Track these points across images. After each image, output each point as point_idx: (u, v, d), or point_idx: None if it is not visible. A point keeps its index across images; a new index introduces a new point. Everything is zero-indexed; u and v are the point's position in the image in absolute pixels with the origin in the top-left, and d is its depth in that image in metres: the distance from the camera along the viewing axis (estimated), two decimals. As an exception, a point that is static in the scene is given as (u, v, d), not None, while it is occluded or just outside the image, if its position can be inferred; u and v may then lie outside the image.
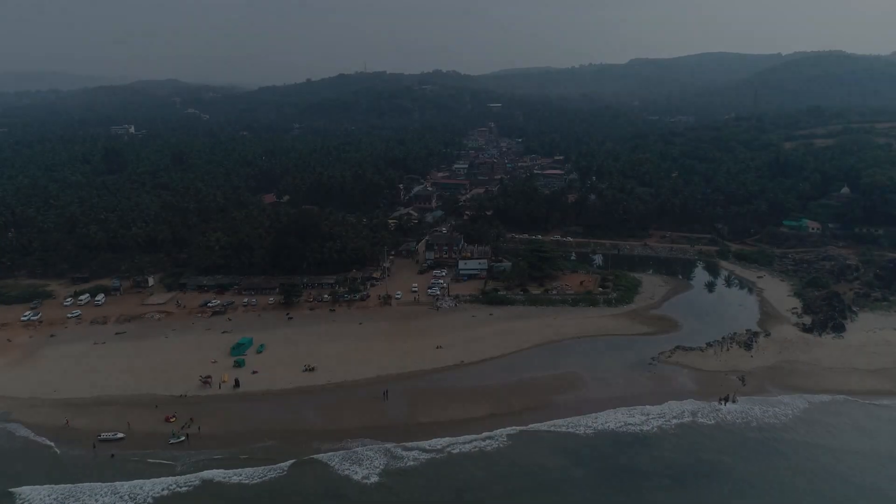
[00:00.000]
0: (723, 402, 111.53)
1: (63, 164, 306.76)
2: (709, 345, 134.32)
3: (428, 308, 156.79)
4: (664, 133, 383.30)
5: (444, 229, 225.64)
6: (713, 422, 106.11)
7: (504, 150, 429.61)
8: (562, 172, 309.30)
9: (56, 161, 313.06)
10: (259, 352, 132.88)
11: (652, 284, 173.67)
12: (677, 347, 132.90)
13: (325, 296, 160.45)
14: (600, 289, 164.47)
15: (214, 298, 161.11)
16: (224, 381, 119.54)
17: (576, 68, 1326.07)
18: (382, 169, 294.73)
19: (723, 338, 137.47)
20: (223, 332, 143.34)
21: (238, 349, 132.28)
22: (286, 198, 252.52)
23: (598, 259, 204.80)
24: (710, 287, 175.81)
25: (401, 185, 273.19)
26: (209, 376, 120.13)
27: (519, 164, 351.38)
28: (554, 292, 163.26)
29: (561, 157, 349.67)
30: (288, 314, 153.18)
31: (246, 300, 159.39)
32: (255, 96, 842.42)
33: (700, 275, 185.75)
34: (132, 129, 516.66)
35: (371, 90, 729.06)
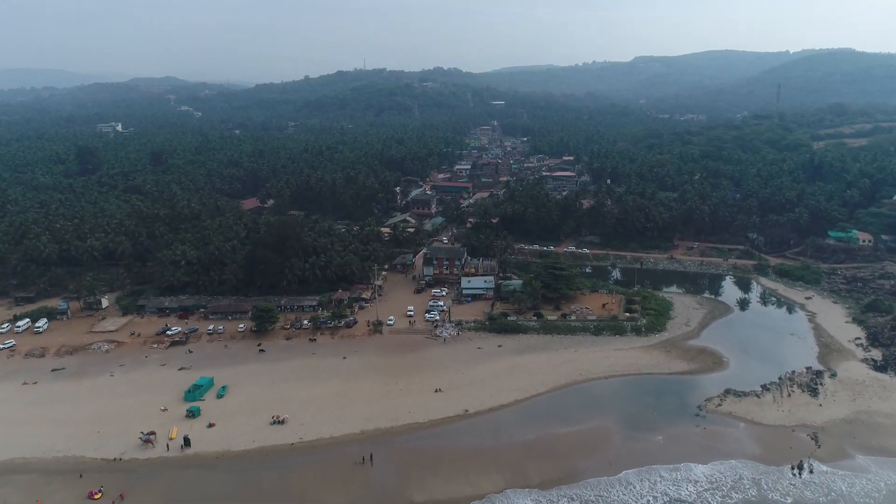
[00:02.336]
0: (796, 472, 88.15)
1: (35, 164, 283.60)
2: (765, 388, 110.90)
3: (426, 337, 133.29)
4: (680, 132, 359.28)
5: (444, 239, 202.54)
6: (789, 501, 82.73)
7: (508, 149, 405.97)
8: (573, 174, 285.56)
9: (28, 161, 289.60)
10: (220, 396, 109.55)
11: (685, 307, 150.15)
12: (727, 392, 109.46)
13: (306, 322, 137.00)
14: (627, 313, 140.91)
15: (175, 325, 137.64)
16: (171, 439, 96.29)
17: (579, 66, 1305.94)
18: (378, 170, 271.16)
19: (780, 378, 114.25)
20: (180, 369, 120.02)
21: (194, 392, 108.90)
22: (270, 202, 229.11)
23: (616, 273, 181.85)
24: (753, 310, 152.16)
25: (397, 189, 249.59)
26: (153, 432, 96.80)
27: (525, 165, 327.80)
28: (573, 317, 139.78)
29: (570, 158, 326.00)
30: (259, 345, 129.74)
31: (212, 327, 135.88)
32: (252, 94, 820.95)
33: (738, 294, 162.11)
34: (119, 127, 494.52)
35: (370, 87, 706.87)
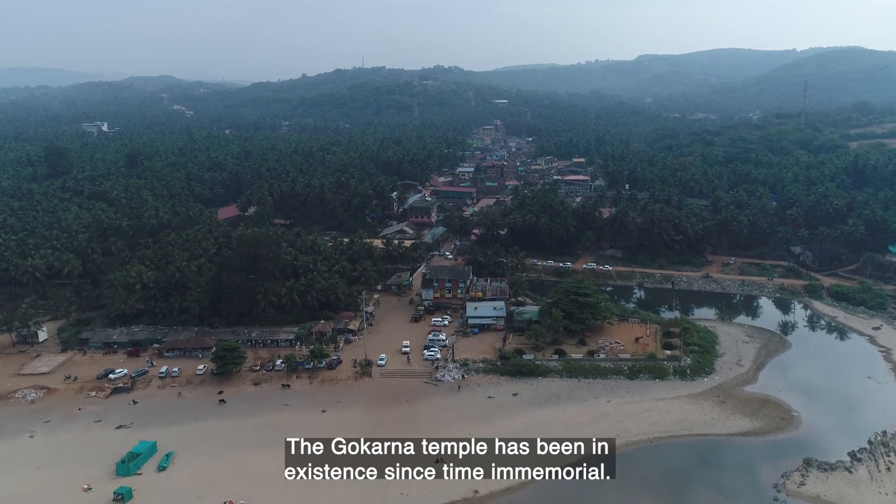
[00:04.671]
0: None
1: (2, 167, 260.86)
2: (855, 458, 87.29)
3: (424, 381, 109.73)
4: (699, 132, 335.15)
5: (448, 254, 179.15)
6: None
7: (513, 150, 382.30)
8: (587, 178, 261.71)
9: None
10: (162, 468, 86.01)
11: (732, 340, 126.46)
12: (808, 464, 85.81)
13: (279, 361, 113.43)
14: (666, 350, 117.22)
15: (122, 365, 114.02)
16: (87, 537, 72.96)
17: (582, 65, 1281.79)
18: (373, 174, 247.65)
19: (870, 443, 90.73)
20: (118, 428, 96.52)
21: (129, 464, 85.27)
22: (253, 209, 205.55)
23: (640, 293, 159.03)
24: (813, 344, 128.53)
25: (394, 194, 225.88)
26: (62, 529, 73.49)
27: (532, 168, 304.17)
28: (602, 355, 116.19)
29: (582, 160, 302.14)
30: (220, 393, 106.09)
31: (164, 368, 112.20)
32: (247, 92, 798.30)
33: (791, 323, 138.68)
34: (105, 127, 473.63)
35: (368, 85, 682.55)
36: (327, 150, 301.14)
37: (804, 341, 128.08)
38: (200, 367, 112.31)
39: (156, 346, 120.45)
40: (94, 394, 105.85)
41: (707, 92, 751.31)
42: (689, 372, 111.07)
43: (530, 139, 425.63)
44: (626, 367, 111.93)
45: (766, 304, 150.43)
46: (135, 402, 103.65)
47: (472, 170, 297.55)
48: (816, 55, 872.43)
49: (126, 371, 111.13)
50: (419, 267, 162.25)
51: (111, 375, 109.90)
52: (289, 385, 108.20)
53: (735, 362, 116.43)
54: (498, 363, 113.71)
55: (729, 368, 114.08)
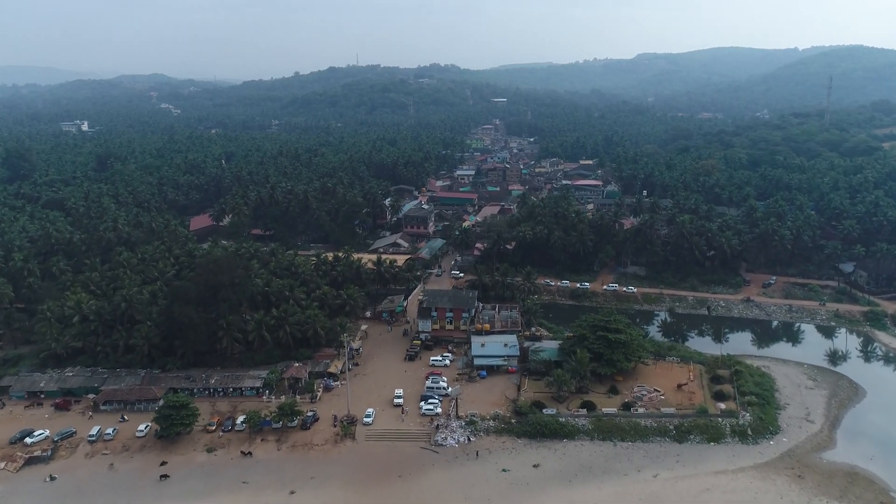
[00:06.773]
0: None
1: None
2: None
3: (421, 446, 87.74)
4: (714, 132, 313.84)
5: (454, 271, 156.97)
6: None
7: (515, 151, 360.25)
8: (598, 183, 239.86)
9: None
10: (69, 586, 63.95)
11: (793, 385, 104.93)
12: (934, 578, 64.34)
13: (241, 419, 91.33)
14: (720, 404, 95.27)
15: (44, 424, 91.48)
16: None
17: (580, 63, 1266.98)
18: (364, 178, 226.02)
19: None
20: (23, 518, 74.44)
21: (25, 581, 63.32)
22: (228, 219, 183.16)
23: (665, 316, 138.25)
24: (891, 389, 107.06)
25: (387, 201, 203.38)
26: None
27: (537, 170, 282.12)
28: (639, 408, 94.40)
29: (590, 162, 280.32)
30: (163, 464, 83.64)
31: (96, 429, 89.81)
32: (238, 91, 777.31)
33: (857, 359, 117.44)
34: (85, 126, 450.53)
35: (362, 84, 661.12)
36: (315, 151, 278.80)
37: (879, 386, 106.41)
38: (142, 426, 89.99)
39: (91, 395, 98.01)
40: (2, 465, 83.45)
41: (711, 91, 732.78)
42: (750, 432, 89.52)
43: (532, 139, 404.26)
44: (671, 426, 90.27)
45: (820, 334, 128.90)
46: (52, 479, 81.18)
47: (472, 172, 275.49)
48: (821, 54, 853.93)
49: (47, 433, 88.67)
50: (415, 288, 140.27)
51: (28, 439, 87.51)
52: (250, 452, 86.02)
53: (803, 417, 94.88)
54: (512, 420, 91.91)
55: (798, 426, 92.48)
